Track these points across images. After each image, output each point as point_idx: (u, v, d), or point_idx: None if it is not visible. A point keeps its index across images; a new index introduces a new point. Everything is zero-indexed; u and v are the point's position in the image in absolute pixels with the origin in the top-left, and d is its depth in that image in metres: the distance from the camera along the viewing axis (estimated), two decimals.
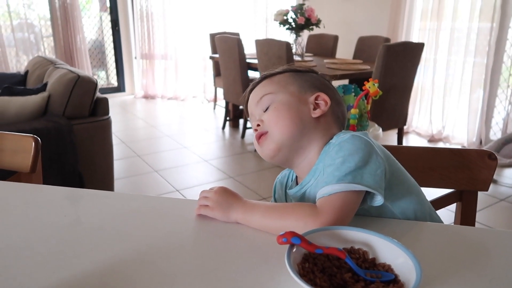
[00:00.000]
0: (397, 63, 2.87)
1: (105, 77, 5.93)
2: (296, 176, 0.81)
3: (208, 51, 5.28)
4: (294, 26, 3.55)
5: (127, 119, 4.62)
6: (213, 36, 4.52)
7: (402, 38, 4.02)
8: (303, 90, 0.77)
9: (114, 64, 5.79)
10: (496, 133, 3.59)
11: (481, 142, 3.65)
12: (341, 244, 0.52)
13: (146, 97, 5.77)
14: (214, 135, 4.07)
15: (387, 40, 3.72)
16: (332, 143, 0.71)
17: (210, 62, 5.31)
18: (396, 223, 0.69)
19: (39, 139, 0.85)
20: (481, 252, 0.59)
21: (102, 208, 0.74)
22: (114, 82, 5.89)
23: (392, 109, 3.07)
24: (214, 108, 5.08)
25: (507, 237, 0.65)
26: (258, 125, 0.75)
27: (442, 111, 3.87)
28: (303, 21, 3.49)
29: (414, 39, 4.04)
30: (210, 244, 0.62)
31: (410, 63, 3.00)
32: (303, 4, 3.58)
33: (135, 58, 5.81)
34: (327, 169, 0.66)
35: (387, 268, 0.49)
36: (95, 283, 0.52)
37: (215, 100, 5.06)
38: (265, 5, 5.28)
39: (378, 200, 0.64)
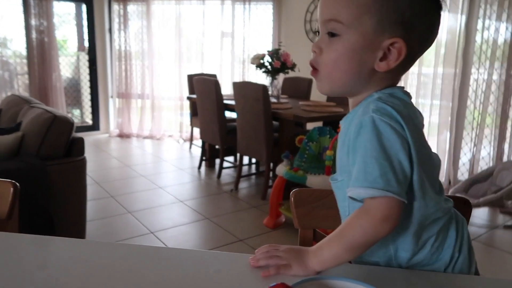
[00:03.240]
0: None
1: (79, 116, 5.87)
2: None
3: (185, 91, 5.36)
4: (270, 69, 3.68)
5: (101, 159, 4.55)
6: (191, 77, 4.60)
7: None
8: (380, 28, 0.64)
9: (89, 103, 5.76)
10: (463, 174, 3.74)
11: (450, 183, 3.78)
12: None
13: (121, 136, 5.71)
14: (189, 175, 4.05)
15: None
16: (375, 97, 0.67)
17: (186, 102, 5.37)
18: (372, 270, 0.70)
19: (18, 184, 0.83)
20: None
21: (74, 257, 0.72)
22: (88, 120, 5.83)
23: None
24: (190, 148, 5.08)
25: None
26: (315, 50, 0.69)
27: None
28: (279, 65, 3.62)
29: None
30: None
31: None
32: (279, 49, 3.73)
33: (111, 97, 5.81)
34: (356, 161, 0.62)
35: None
36: None
37: (191, 139, 5.07)
38: (242, 48, 5.45)
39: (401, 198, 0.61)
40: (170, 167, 4.34)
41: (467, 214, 1.01)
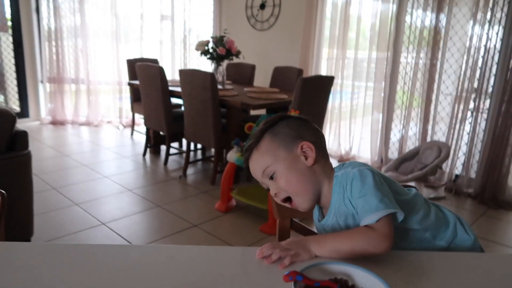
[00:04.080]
0: (312, 94, 3.16)
1: (4, 102, 5.42)
2: (321, 208, 0.96)
3: (124, 75, 5.19)
4: (215, 56, 3.70)
5: (36, 148, 4.28)
6: (131, 62, 4.46)
7: (313, 68, 4.41)
8: (288, 148, 0.89)
9: (16, 88, 5.34)
10: (393, 153, 4.11)
11: (382, 161, 4.14)
12: (327, 276, 0.65)
13: (54, 123, 5.40)
14: (134, 162, 3.99)
15: (300, 71, 4.06)
16: (339, 176, 0.88)
17: (125, 86, 5.21)
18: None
19: (4, 193, 0.83)
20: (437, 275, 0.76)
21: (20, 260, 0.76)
22: (16, 107, 5.42)
23: None
24: (132, 134, 4.97)
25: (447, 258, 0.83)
26: (276, 193, 0.90)
27: (349, 133, 4.32)
28: (224, 52, 3.66)
29: (323, 67, 4.47)
30: (224, 282, 0.70)
31: (323, 93, 3.33)
32: (224, 36, 3.75)
33: (41, 81, 5.44)
34: (359, 202, 0.82)
35: None
36: None
37: (132, 125, 4.95)
38: (182, 31, 5.37)
39: (400, 217, 0.82)
40: (113, 155, 4.23)
41: None
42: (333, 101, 4.35)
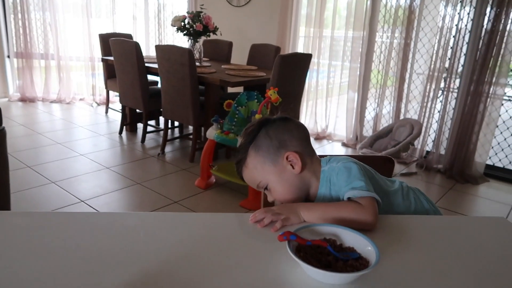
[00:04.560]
0: (290, 72, 3.19)
1: None
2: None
3: (97, 51, 5.04)
4: (192, 32, 3.65)
5: (6, 126, 4.13)
6: (104, 37, 4.34)
7: (290, 46, 4.42)
8: (274, 161, 0.92)
9: None
10: (368, 131, 4.23)
11: (357, 138, 4.25)
12: (317, 236, 0.70)
13: (23, 100, 5.22)
14: (111, 140, 3.94)
15: (278, 48, 4.07)
16: (325, 170, 0.93)
17: (98, 62, 5.07)
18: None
19: None
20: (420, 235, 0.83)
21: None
22: None
23: (286, 113, 3.39)
24: (107, 112, 4.87)
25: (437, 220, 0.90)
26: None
27: (325, 111, 4.40)
28: (201, 28, 3.61)
29: (300, 46, 4.49)
30: (222, 244, 0.73)
31: (300, 71, 3.36)
32: (201, 12, 3.70)
33: (8, 56, 5.21)
34: (345, 189, 0.88)
35: (352, 250, 0.68)
36: None
37: (107, 103, 4.85)
38: (157, 6, 5.23)
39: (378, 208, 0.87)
40: (87, 133, 4.15)
41: (390, 170, 1.25)
42: (310, 80, 4.40)
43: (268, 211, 0.83)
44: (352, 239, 0.70)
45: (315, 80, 4.41)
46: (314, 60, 4.28)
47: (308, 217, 0.83)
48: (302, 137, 0.96)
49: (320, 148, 4.15)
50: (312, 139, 4.32)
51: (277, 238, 0.66)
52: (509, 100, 5.13)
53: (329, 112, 4.40)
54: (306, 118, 4.51)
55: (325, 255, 0.65)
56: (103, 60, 4.28)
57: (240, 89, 3.71)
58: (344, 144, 4.25)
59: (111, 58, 3.83)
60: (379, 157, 1.22)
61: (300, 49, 4.49)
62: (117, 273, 0.64)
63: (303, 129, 0.98)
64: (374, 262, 0.62)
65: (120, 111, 4.22)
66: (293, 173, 0.92)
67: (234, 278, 0.64)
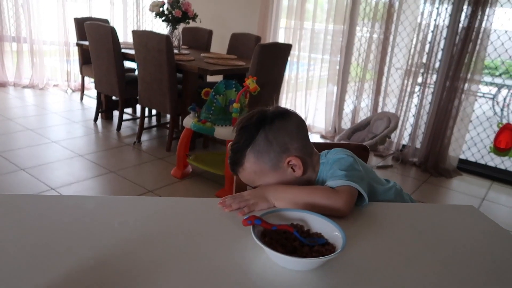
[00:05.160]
0: (269, 61, 3.16)
1: None
2: None
3: (72, 36, 4.89)
4: (170, 18, 3.57)
5: None
6: (79, 21, 4.20)
7: (270, 36, 4.39)
8: (275, 166, 0.89)
9: None
10: (346, 123, 4.25)
11: (335, 131, 4.27)
12: (284, 221, 0.68)
13: None
14: (85, 127, 3.83)
15: (258, 38, 4.03)
16: (324, 162, 0.94)
17: (74, 48, 4.92)
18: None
19: None
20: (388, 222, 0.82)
21: None
22: None
23: (265, 103, 3.36)
24: (82, 99, 4.74)
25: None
26: None
27: (305, 103, 4.39)
28: (180, 14, 3.53)
29: (281, 37, 4.46)
30: (187, 229, 0.70)
31: (280, 61, 3.34)
32: None
33: None
34: (329, 175, 0.89)
35: (319, 235, 0.66)
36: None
37: (82, 89, 4.72)
38: None
39: (365, 202, 0.86)
40: (61, 119, 4.03)
41: (365, 158, 1.25)
42: (290, 72, 4.38)
43: (237, 196, 0.81)
44: (320, 224, 0.68)
45: (295, 72, 4.40)
46: (294, 52, 4.26)
47: (278, 202, 0.82)
48: (302, 137, 0.93)
49: None
50: None
51: (242, 223, 0.64)
52: (483, 96, 5.25)
53: (309, 105, 4.40)
54: None
55: (291, 240, 0.63)
56: (78, 45, 4.15)
57: (219, 78, 3.66)
58: (322, 136, 4.26)
59: (87, 43, 3.71)
60: (354, 145, 1.21)
61: (281, 40, 4.47)
62: (75, 259, 0.60)
63: (302, 127, 0.95)
64: (340, 248, 0.60)
65: (96, 98, 4.10)
66: (294, 175, 0.90)
67: (198, 263, 0.61)
